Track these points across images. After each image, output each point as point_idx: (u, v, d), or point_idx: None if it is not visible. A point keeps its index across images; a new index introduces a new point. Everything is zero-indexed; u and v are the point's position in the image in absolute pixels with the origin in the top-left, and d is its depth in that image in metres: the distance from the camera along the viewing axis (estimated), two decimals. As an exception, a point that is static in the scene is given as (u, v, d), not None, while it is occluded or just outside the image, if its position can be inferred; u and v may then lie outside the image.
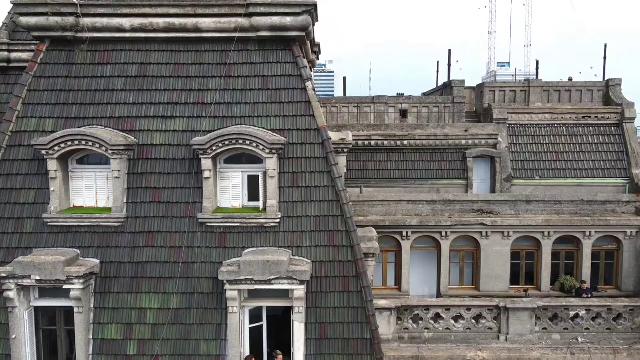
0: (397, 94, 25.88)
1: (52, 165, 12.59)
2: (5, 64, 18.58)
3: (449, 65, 29.09)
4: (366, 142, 21.71)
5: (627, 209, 20.02)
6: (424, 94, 29.43)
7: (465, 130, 21.75)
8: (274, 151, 12.44)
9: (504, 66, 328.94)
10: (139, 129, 13.16)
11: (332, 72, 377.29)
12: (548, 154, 22.73)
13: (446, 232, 19.67)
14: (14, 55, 18.58)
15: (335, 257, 12.62)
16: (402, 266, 19.90)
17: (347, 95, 29.71)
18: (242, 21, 13.18)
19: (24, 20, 13.27)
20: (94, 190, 13.26)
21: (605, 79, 25.93)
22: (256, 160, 12.97)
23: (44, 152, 12.47)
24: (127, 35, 13.31)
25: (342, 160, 14.55)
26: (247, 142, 12.42)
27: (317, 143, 13.00)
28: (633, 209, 20.04)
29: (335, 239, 12.68)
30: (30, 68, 13.51)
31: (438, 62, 33.33)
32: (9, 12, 19.89)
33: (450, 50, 28.66)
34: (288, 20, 13.04)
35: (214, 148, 12.38)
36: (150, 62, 13.48)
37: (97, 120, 13.18)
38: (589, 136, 23.06)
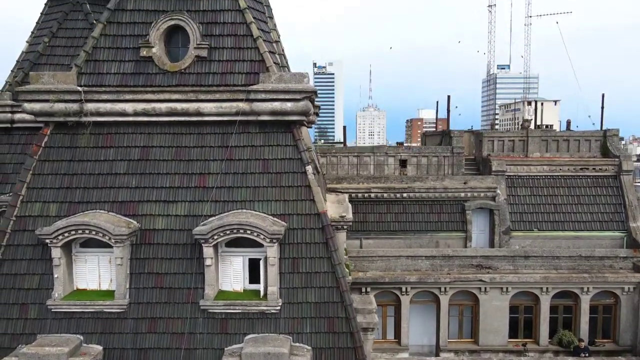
0: (397, 143, 26.11)
1: (56, 252, 12.77)
2: (9, 125, 18.84)
3: (448, 110, 29.31)
4: (366, 195, 21.95)
5: (625, 265, 20.23)
6: (424, 134, 29.67)
7: (465, 183, 21.98)
8: (274, 240, 12.63)
9: (504, 69, 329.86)
10: (141, 213, 13.34)
11: (332, 74, 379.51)
12: (546, 206, 22.96)
13: (445, 288, 19.89)
14: (17, 116, 18.86)
15: (335, 344, 12.79)
16: (402, 321, 20.10)
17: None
18: (243, 106, 13.38)
19: (28, 106, 13.46)
20: (97, 273, 13.44)
21: (604, 117, 26.16)
22: (257, 243, 13.15)
23: (47, 240, 12.65)
24: (130, 119, 13.53)
25: (341, 236, 14.75)
26: (248, 232, 12.60)
27: (317, 228, 13.18)
28: (630, 265, 20.25)
29: (335, 326, 12.85)
30: (34, 152, 13.69)
31: (437, 102, 33.68)
32: (11, 70, 20.23)
33: (449, 97, 28.89)
34: (289, 105, 13.25)
35: (215, 237, 12.57)
36: (152, 145, 13.66)
37: (100, 204, 13.37)
38: (587, 188, 23.28)
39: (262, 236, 12.53)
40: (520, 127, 30.65)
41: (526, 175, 23.38)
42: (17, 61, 20.17)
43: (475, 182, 22.14)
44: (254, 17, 14.19)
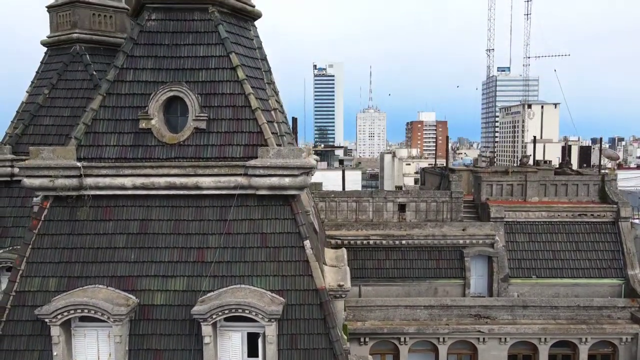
0: (396, 187, 26.15)
1: (55, 331, 12.81)
2: (8, 178, 18.93)
3: (447, 152, 29.33)
4: (365, 242, 22.01)
5: (623, 315, 20.28)
6: (423, 169, 29.75)
7: (463, 230, 22.05)
8: (272, 320, 12.68)
9: (504, 71, 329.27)
10: (140, 288, 13.38)
11: (332, 76, 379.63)
12: (545, 252, 23.01)
13: (443, 338, 19.94)
14: (17, 170, 18.89)
15: (334, 421, 12.86)
16: (400, 370, 20.18)
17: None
18: (242, 180, 13.45)
19: (27, 181, 13.53)
20: (97, 348, 13.47)
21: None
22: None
23: (47, 320, 12.71)
24: (129, 192, 13.59)
25: (339, 304, 14.78)
26: (247, 311, 12.65)
27: (316, 304, 13.23)
28: (628, 315, 20.30)
29: (333, 403, 12.91)
30: (34, 226, 13.74)
31: (436, 139, 33.43)
32: (12, 121, 20.33)
33: (448, 137, 28.87)
34: (287, 180, 13.33)
35: (213, 316, 12.62)
36: (151, 219, 13.71)
37: (99, 279, 13.41)
38: (585, 234, 23.33)
39: (260, 315, 12.59)
40: (519, 162, 30.74)
41: (525, 221, 23.42)
42: (17, 112, 20.28)
43: (474, 229, 22.20)
44: (252, 87, 14.29)
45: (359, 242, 21.70)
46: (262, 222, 13.62)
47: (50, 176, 13.28)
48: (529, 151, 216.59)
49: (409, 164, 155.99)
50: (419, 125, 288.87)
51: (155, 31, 14.47)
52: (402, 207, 23.79)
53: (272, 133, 14.06)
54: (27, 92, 20.41)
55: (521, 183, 24.39)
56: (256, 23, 16.41)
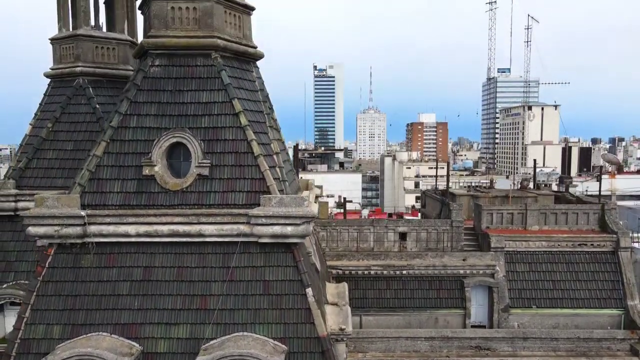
0: (396, 215, 26.24)
1: (59, 381, 12.93)
2: (12, 213, 19.06)
3: (448, 176, 29.44)
4: (366, 272, 22.13)
5: (622, 347, 20.40)
6: (424, 192, 29.87)
7: (464, 260, 22.18)
8: (275, 370, 12.78)
9: (505, 72, 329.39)
10: (143, 336, 13.48)
11: (333, 77, 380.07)
12: (545, 282, 23.13)
13: (444, 370, 20.06)
14: (20, 204, 19.11)
15: None
16: (401, 401, 20.29)
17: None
18: (244, 228, 13.57)
19: (32, 229, 13.65)
20: (100, 395, 13.58)
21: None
22: (258, 365, 13.31)
23: (51, 370, 12.83)
24: (133, 239, 13.71)
25: (341, 347, 14.89)
26: (249, 362, 12.77)
27: (318, 352, 13.35)
28: (628, 346, 20.43)
29: None
30: (38, 273, 13.87)
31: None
32: (15, 154, 20.46)
33: (448, 163, 28.99)
34: (289, 229, 13.45)
35: (216, 367, 12.73)
36: (154, 266, 13.81)
37: (103, 326, 13.52)
38: (585, 264, 23.45)
39: (262, 366, 12.70)
40: (519, 185, 30.88)
41: (525, 251, 23.56)
42: (21, 144, 20.43)
43: (474, 260, 22.34)
44: (254, 132, 14.42)
45: (360, 272, 21.84)
46: (265, 269, 13.74)
47: (55, 224, 13.41)
48: (529, 152, 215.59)
49: (409, 168, 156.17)
50: (419, 127, 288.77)
51: (159, 77, 14.61)
52: (403, 236, 23.94)
53: (275, 179, 14.18)
54: (30, 124, 20.56)
55: (521, 212, 24.54)
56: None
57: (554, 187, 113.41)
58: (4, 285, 18.46)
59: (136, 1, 22.53)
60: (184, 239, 13.68)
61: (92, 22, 21.13)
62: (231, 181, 14.08)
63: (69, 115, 19.73)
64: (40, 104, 20.79)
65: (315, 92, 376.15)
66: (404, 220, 25.06)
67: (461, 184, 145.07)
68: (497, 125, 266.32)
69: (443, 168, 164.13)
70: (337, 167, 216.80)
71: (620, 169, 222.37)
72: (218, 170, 14.12)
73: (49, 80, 20.92)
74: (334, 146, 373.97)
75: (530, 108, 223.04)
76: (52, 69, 20.74)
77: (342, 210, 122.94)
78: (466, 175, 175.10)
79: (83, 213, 13.40)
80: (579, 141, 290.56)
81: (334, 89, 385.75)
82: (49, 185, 19.12)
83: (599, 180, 27.52)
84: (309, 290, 13.69)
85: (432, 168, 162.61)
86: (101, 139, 14.30)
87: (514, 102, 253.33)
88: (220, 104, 14.46)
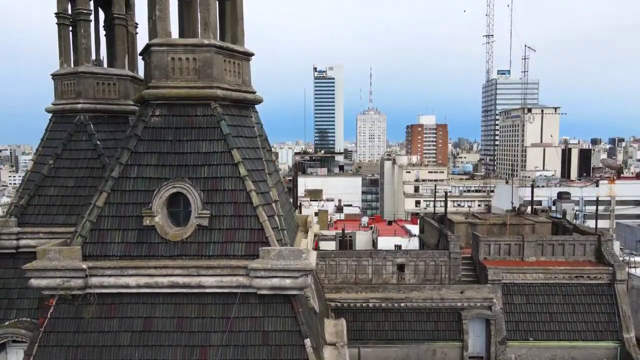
0: (395, 245, 26.47)
1: None
2: (14, 250, 19.22)
3: (446, 206, 29.59)
4: (364, 305, 22.32)
5: (618, 380, 20.56)
6: (422, 218, 30.02)
7: (461, 292, 22.36)
8: None
9: (504, 74, 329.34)
10: (144, 388, 13.70)
11: (332, 78, 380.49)
12: (542, 315, 23.30)
13: (442, 404, 20.23)
14: (22, 242, 19.25)
15: None
16: None
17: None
18: (244, 280, 13.79)
19: (34, 282, 13.87)
20: None
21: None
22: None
23: None
24: (133, 290, 13.91)
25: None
26: (248, 416, 12.96)
27: (315, 404, 13.53)
28: (624, 380, 20.59)
29: None
30: (40, 324, 14.07)
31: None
32: (17, 190, 20.66)
33: (446, 192, 29.22)
34: (287, 282, 13.66)
35: (216, 421, 12.93)
36: (155, 316, 14.01)
37: (104, 379, 13.72)
38: (582, 296, 23.62)
39: (261, 420, 12.90)
40: (516, 211, 31.08)
41: (522, 283, 23.73)
42: (23, 180, 20.61)
43: (472, 292, 22.52)
44: (253, 181, 14.62)
45: (358, 304, 22.02)
46: (264, 319, 13.93)
47: (57, 277, 13.62)
48: (529, 155, 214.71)
49: (409, 172, 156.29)
50: (419, 129, 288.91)
51: (159, 127, 14.82)
52: (401, 267, 24.12)
53: (274, 228, 14.37)
54: (32, 160, 20.75)
55: (518, 243, 24.71)
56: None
57: (553, 191, 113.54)
58: (6, 323, 18.59)
59: (137, 34, 22.75)
60: (184, 290, 13.89)
61: (93, 56, 21.30)
62: (230, 232, 14.28)
63: (70, 152, 19.82)
64: (42, 139, 20.95)
65: (315, 94, 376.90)
66: (402, 252, 25.22)
67: (459, 203, 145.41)
68: (497, 128, 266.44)
69: (443, 172, 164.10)
70: (337, 170, 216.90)
71: (620, 171, 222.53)
72: (217, 220, 14.32)
73: (50, 115, 21.07)
74: (334, 147, 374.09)
75: (530, 110, 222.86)
76: (53, 104, 20.89)
77: (342, 216, 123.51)
78: (466, 179, 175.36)
79: (84, 266, 13.60)
80: (578, 143, 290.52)
81: (333, 90, 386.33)
82: (50, 222, 19.30)
83: (596, 209, 27.64)
84: (307, 341, 13.88)
85: (432, 172, 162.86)
86: (102, 189, 14.49)
87: (514, 104, 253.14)
88: (219, 154, 14.66)
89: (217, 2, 16.24)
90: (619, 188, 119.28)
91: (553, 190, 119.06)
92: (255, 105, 16.84)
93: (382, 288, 22.86)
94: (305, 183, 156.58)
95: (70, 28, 20.93)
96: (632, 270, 27.42)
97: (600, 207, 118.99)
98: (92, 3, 20.84)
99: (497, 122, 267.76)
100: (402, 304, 22.29)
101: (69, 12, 20.71)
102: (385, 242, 76.76)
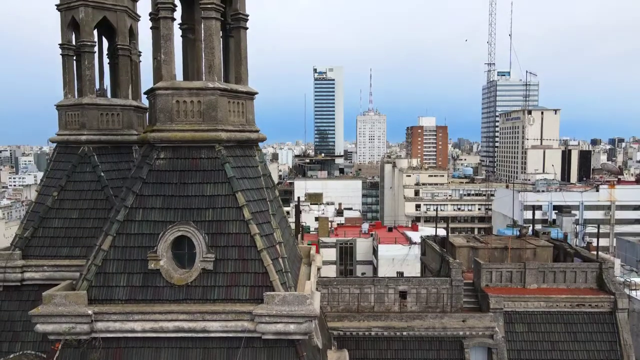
0: (397, 272, 26.56)
1: None
2: (19, 283, 19.31)
3: (447, 236, 29.59)
4: (366, 333, 22.43)
5: (620, 410, 20.65)
6: (424, 240, 30.10)
7: (463, 321, 22.45)
8: None
9: (504, 75, 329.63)
10: None
11: (332, 80, 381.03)
12: (543, 343, 23.36)
13: None
14: (27, 275, 19.37)
15: None
16: None
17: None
18: (248, 325, 13.88)
19: (40, 327, 13.96)
20: None
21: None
22: None
23: None
24: (139, 335, 14.00)
25: None
26: None
27: None
28: (625, 410, 20.68)
29: None
30: (46, 368, 14.17)
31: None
32: (21, 221, 20.75)
33: (448, 218, 29.11)
34: (291, 327, 13.76)
35: None
36: (160, 360, 14.13)
37: (110, 423, 13.83)
38: (583, 324, 23.69)
39: None
40: (518, 232, 31.15)
41: (524, 311, 23.81)
42: (27, 212, 20.70)
43: (474, 321, 22.60)
44: (257, 224, 14.72)
45: (360, 333, 22.13)
46: (268, 365, 14.03)
47: (63, 322, 13.72)
48: (529, 157, 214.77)
49: (409, 176, 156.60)
50: (419, 131, 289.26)
51: (164, 170, 14.92)
52: (403, 294, 24.21)
53: (278, 271, 14.48)
54: (36, 191, 20.85)
55: (520, 270, 24.79)
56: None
57: (554, 196, 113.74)
58: (11, 356, 18.69)
59: (140, 62, 22.84)
60: (189, 335, 13.99)
61: (97, 85, 21.41)
62: (235, 275, 14.38)
63: (74, 184, 19.92)
64: (46, 170, 21.08)
65: (315, 95, 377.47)
66: (404, 279, 25.26)
67: (459, 207, 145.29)
68: (497, 129, 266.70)
69: (443, 176, 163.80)
70: (337, 173, 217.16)
71: (620, 172, 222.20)
72: (222, 264, 14.43)
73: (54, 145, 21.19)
74: (333, 148, 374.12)
75: (530, 112, 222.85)
76: (57, 134, 21.00)
77: (342, 220, 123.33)
78: (466, 182, 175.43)
79: (90, 312, 13.70)
80: (578, 144, 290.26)
81: (333, 91, 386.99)
82: (54, 254, 19.43)
83: (597, 234, 27.70)
84: (311, 387, 14.00)
85: (432, 176, 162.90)
86: (108, 232, 14.59)
87: (514, 106, 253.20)
88: (224, 197, 14.76)
89: (221, 40, 16.34)
90: (619, 193, 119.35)
91: (553, 195, 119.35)
92: (258, 140, 16.91)
93: (385, 316, 22.96)
94: (305, 186, 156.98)
95: (74, 58, 21.05)
96: (633, 293, 27.50)
97: (600, 212, 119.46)
98: (95, 33, 20.94)
99: (497, 123, 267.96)
100: (405, 333, 22.40)
101: (73, 42, 20.82)
102: (386, 250, 77.02)
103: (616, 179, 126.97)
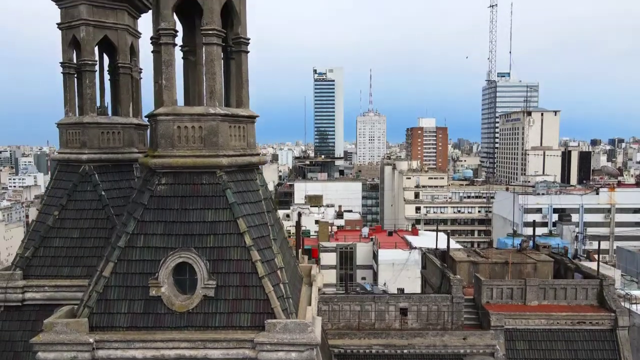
0: (398, 289, 26.59)
1: None
2: (20, 304, 19.33)
3: (448, 246, 29.64)
4: (367, 351, 22.43)
5: None
6: (424, 254, 30.14)
7: (464, 339, 22.46)
8: None
9: (504, 76, 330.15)
10: None
11: (332, 81, 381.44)
12: (544, 362, 23.40)
13: None
14: (28, 295, 19.38)
15: None
16: None
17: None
18: (249, 353, 13.88)
19: (42, 355, 13.93)
20: None
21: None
22: None
23: None
24: (140, 365, 14.00)
25: None
26: None
27: None
28: None
29: None
30: (48, 395, 14.16)
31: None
32: (22, 241, 20.75)
33: (448, 233, 29.34)
34: (293, 355, 13.76)
35: None
36: (161, 388, 14.12)
37: None
38: (584, 342, 23.69)
39: None
40: (519, 246, 31.16)
41: (524, 329, 23.82)
42: (28, 230, 20.71)
43: (475, 339, 22.59)
44: (259, 249, 14.72)
45: (361, 351, 22.13)
46: (269, 389, 14.02)
47: (64, 350, 13.73)
48: (529, 159, 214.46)
49: (409, 178, 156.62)
50: (419, 132, 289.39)
51: (165, 195, 14.92)
52: (404, 311, 24.20)
53: (279, 298, 14.47)
54: (37, 210, 20.86)
55: (521, 287, 24.80)
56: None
57: (554, 199, 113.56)
58: (11, 376, 18.73)
59: (141, 79, 22.85)
60: (190, 362, 13.98)
61: (98, 102, 21.42)
62: (236, 302, 14.38)
63: (75, 203, 19.94)
64: (47, 188, 21.11)
65: (315, 96, 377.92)
66: (405, 296, 25.25)
67: (459, 210, 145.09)
68: (497, 130, 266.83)
69: (443, 178, 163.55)
70: (337, 174, 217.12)
71: (620, 174, 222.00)
72: (223, 290, 14.42)
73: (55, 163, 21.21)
74: (333, 149, 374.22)
75: (530, 114, 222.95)
76: (59, 152, 21.06)
77: (342, 222, 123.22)
78: (466, 184, 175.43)
79: (91, 340, 13.69)
80: (578, 145, 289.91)
81: (333, 92, 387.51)
82: (55, 274, 19.47)
83: (598, 252, 27.70)
84: (314, 409, 14.00)
85: (432, 178, 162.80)
86: (109, 259, 14.59)
87: (514, 107, 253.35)
88: (225, 223, 14.76)
89: (222, 62, 16.34)
90: (619, 196, 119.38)
91: (553, 198, 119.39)
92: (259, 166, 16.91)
93: (385, 334, 22.96)
94: (305, 188, 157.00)
95: (75, 76, 21.07)
96: (634, 307, 27.49)
97: (601, 215, 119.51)
98: (96, 50, 20.97)
99: (497, 125, 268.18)
100: (405, 351, 22.40)
101: (74, 61, 20.86)
102: (386, 255, 77.01)
103: (616, 182, 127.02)
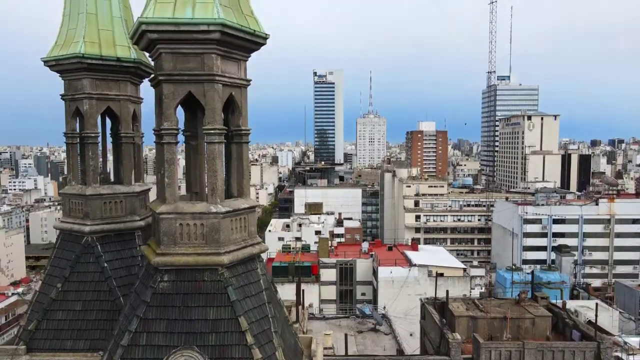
0: (397, 350, 26.73)
1: None
2: None
3: (447, 298, 29.83)
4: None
5: None
6: (424, 304, 30.32)
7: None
8: None
9: (504, 80, 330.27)
10: None
11: (332, 83, 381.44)
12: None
13: None
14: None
15: None
16: None
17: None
18: None
19: None
20: None
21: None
22: None
23: None
24: None
25: None
26: None
27: None
28: None
29: None
30: None
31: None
32: (25, 312, 20.94)
33: (447, 291, 29.47)
34: None
35: None
36: None
37: None
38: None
39: None
40: (517, 297, 31.33)
41: (523, 392, 24.06)
42: (32, 301, 20.90)
43: (473, 403, 22.81)
44: (260, 345, 14.90)
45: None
46: None
47: None
48: (529, 164, 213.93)
49: (409, 186, 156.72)
50: (419, 135, 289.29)
51: (168, 293, 15.07)
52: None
53: (275, 388, 14.66)
54: (40, 280, 21.03)
55: (519, 349, 24.97)
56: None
57: (553, 209, 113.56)
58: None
59: (142, 143, 23.04)
60: None
61: (100, 167, 21.60)
62: (237, 405, 14.54)
63: (78, 275, 20.08)
64: (50, 257, 21.27)
65: (315, 98, 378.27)
66: (405, 358, 25.46)
67: (459, 218, 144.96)
68: (497, 134, 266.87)
69: (443, 186, 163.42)
70: (337, 180, 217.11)
71: (619, 180, 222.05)
72: (225, 395, 14.58)
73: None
74: (333, 150, 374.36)
75: (529, 118, 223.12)
76: (62, 221, 21.23)
77: (342, 230, 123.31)
78: (466, 192, 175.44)
79: None
80: (578, 148, 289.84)
81: (333, 94, 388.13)
82: (58, 347, 19.60)
83: (595, 315, 27.86)
84: None
85: (432, 186, 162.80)
86: (112, 357, 14.77)
87: (514, 110, 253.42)
88: (227, 321, 14.92)
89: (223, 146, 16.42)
90: (618, 206, 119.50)
91: (553, 209, 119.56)
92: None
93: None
94: (305, 194, 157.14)
95: (78, 144, 21.26)
96: (631, 359, 27.64)
97: (600, 226, 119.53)
98: (99, 118, 21.16)
99: (497, 128, 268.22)
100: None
101: (77, 130, 21.04)
102: (386, 273, 77.29)
103: (615, 192, 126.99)
